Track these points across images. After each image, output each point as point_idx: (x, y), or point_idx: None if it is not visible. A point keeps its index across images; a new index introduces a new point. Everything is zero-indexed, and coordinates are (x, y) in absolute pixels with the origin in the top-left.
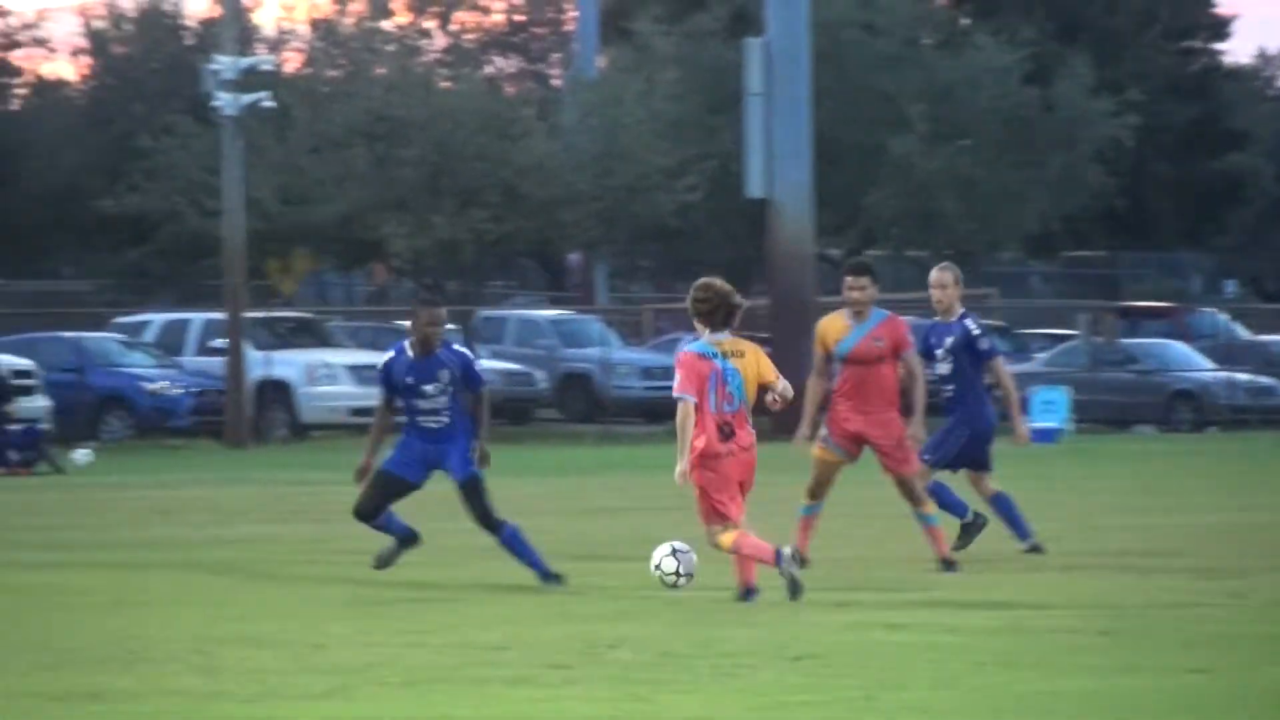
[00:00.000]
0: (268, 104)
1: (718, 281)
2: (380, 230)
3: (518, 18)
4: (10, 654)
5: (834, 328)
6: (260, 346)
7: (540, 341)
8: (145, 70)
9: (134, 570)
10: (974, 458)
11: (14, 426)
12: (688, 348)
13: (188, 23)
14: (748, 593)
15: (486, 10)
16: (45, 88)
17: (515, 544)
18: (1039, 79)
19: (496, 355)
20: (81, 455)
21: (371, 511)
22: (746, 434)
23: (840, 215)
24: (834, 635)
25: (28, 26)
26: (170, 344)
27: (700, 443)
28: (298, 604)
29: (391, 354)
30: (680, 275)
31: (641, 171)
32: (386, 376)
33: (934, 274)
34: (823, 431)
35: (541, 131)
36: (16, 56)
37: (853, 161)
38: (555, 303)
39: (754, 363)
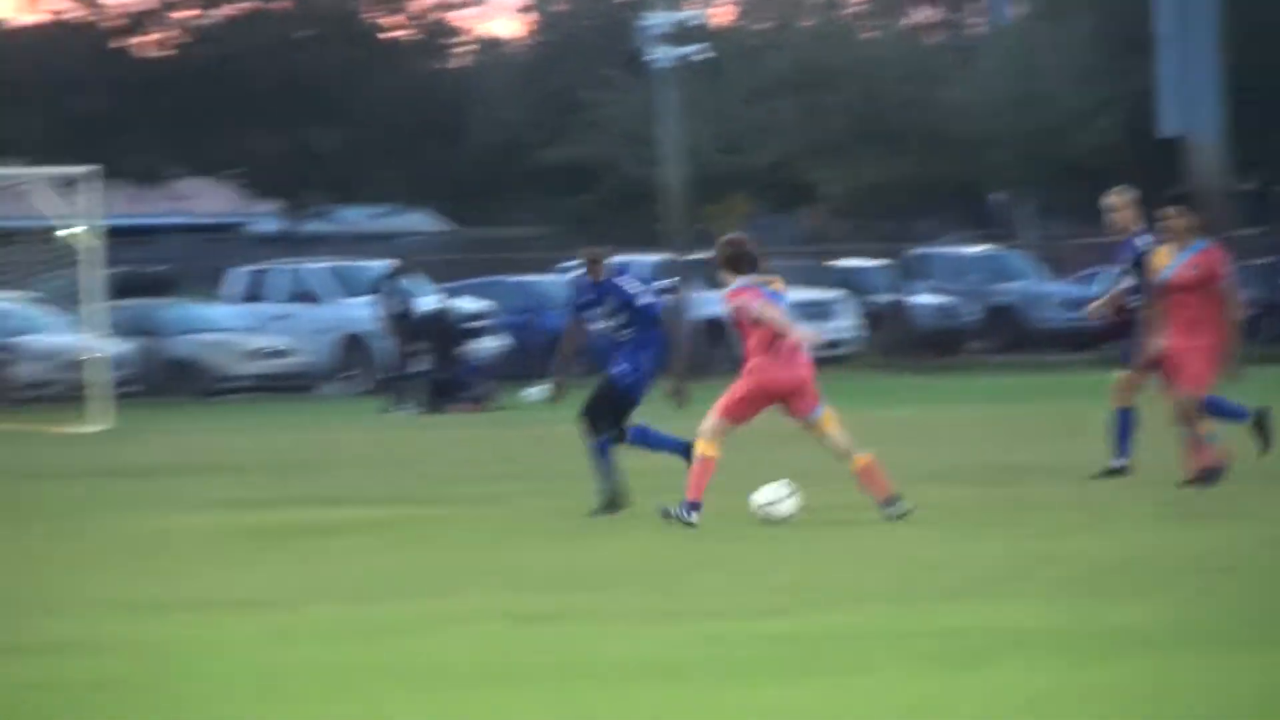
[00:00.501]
0: (700, 57)
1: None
2: (812, 175)
3: None
4: (474, 576)
5: (1159, 257)
6: (701, 286)
7: (968, 277)
8: (581, 27)
9: (589, 498)
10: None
11: (467, 366)
12: (739, 284)
13: None
14: None
15: None
16: (486, 46)
17: (644, 438)
18: None
19: (927, 291)
20: (534, 392)
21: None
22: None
23: (1251, 151)
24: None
25: None
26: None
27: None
28: (743, 530)
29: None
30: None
31: (1058, 114)
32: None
33: (1111, 196)
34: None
35: (962, 79)
36: (456, 17)
37: (1263, 99)
38: (981, 240)
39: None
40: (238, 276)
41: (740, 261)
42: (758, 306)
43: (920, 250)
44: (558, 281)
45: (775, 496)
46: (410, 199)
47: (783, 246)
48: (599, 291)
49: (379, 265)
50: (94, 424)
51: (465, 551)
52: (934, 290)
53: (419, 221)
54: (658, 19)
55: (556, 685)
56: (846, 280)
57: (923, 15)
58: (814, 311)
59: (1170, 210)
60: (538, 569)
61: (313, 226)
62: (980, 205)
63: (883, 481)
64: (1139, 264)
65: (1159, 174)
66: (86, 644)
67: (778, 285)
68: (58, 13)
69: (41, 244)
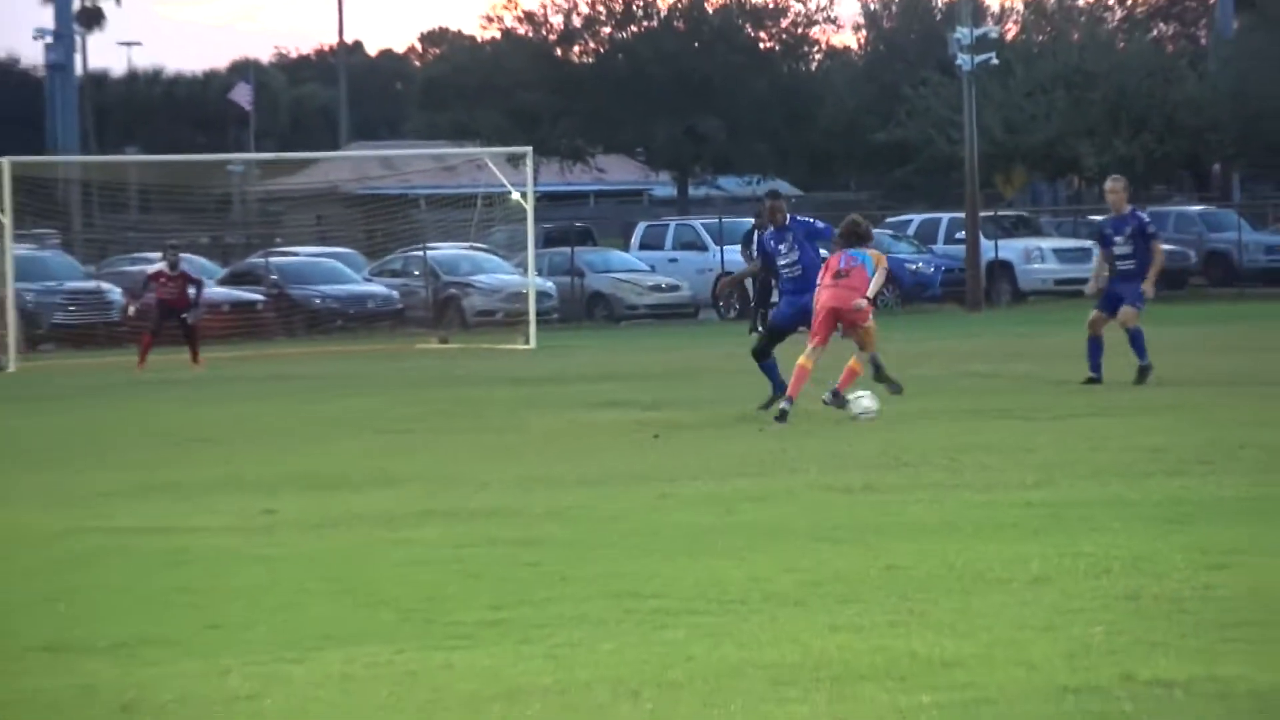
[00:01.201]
0: (994, 62)
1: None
2: (1074, 151)
3: None
4: (801, 458)
5: None
6: (989, 236)
7: (1192, 229)
8: (906, 39)
9: (897, 399)
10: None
11: None
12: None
13: (936, 4)
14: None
15: None
16: (834, 53)
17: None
18: None
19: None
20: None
21: (763, 353)
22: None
23: None
24: None
25: (821, 9)
26: (926, 236)
27: None
28: (1005, 424)
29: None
30: None
31: (1267, 103)
32: (761, 247)
33: (1108, 183)
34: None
35: (1193, 77)
36: (813, 32)
37: None
38: (1202, 201)
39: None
40: (640, 230)
41: (853, 237)
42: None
43: (1155, 209)
44: (883, 233)
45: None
46: (773, 170)
47: (1051, 206)
48: (780, 234)
49: (748, 221)
50: (527, 344)
51: (800, 440)
52: (1166, 240)
53: (779, 187)
54: (963, 32)
55: (868, 540)
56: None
57: (1164, 29)
58: (1073, 256)
59: (1110, 183)
60: (853, 453)
61: (698, 191)
62: (1203, 174)
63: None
64: (1142, 232)
65: None
66: (516, 511)
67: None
68: (508, 29)
69: (491, 206)
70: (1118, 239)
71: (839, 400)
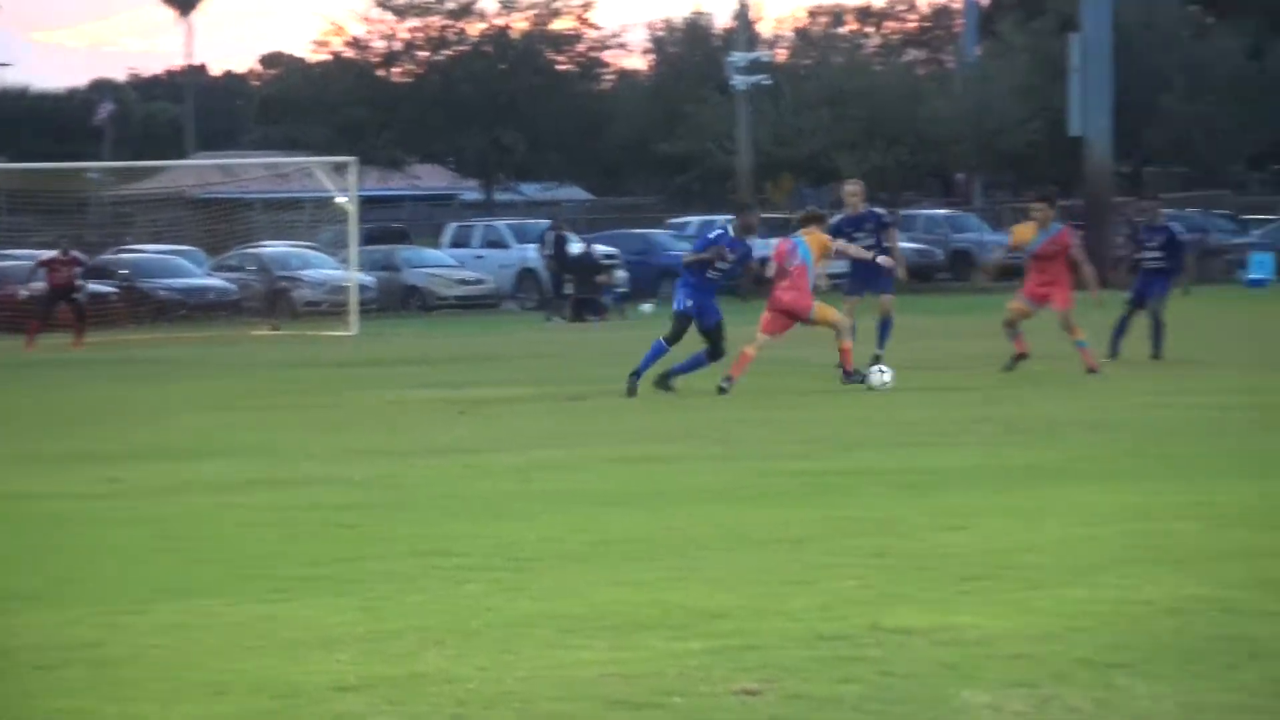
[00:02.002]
0: (766, 82)
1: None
2: (836, 161)
3: (925, 24)
4: (593, 432)
5: (1024, 232)
6: (762, 236)
7: (938, 230)
8: (689, 62)
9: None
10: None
11: (601, 291)
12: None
13: (715, 31)
14: None
15: (905, 20)
16: (624, 74)
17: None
18: (1256, 55)
19: (910, 240)
20: (645, 308)
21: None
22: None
23: (1128, 145)
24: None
25: (613, 36)
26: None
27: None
28: (777, 402)
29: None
30: (1029, 186)
31: (1003, 120)
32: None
33: (847, 185)
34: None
35: (940, 97)
36: (606, 55)
37: (1136, 111)
38: (947, 205)
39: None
40: (451, 230)
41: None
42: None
43: (907, 212)
44: (664, 234)
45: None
46: (568, 178)
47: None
48: (860, 219)
49: (544, 222)
50: (349, 330)
51: (592, 417)
52: (913, 240)
53: (574, 193)
54: (738, 57)
55: (651, 505)
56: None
57: (916, 54)
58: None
59: (1038, 205)
60: (639, 427)
61: (502, 196)
62: (949, 182)
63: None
64: (880, 224)
65: (1067, 161)
66: (336, 479)
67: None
68: (337, 53)
69: (319, 209)
70: (858, 235)
71: (854, 378)
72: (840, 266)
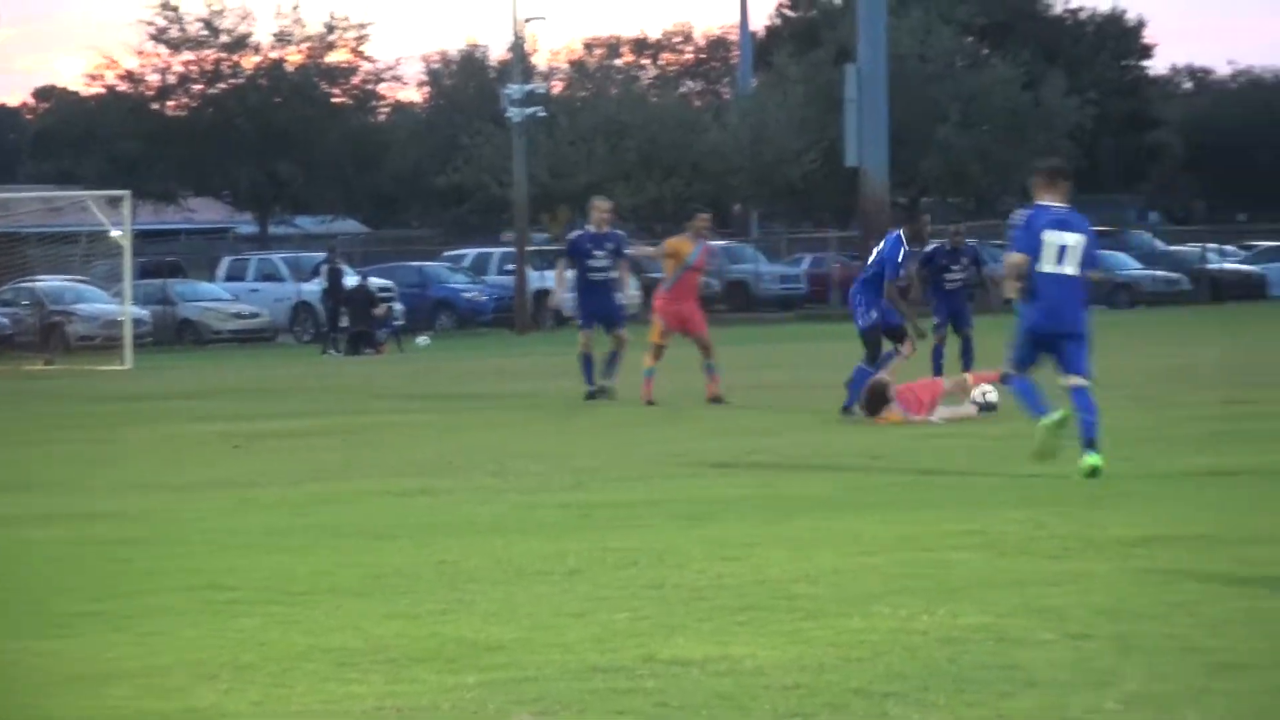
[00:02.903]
0: (541, 114)
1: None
2: (613, 192)
3: (702, 56)
4: (367, 465)
5: (684, 246)
6: (537, 268)
7: (714, 261)
8: (464, 94)
9: (451, 413)
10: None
11: (377, 324)
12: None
13: (491, 63)
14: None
15: (682, 52)
16: (400, 107)
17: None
18: (1030, 86)
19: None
20: (421, 340)
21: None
22: None
23: (903, 176)
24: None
25: (388, 69)
26: (479, 268)
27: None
28: (548, 433)
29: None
30: (805, 217)
31: (779, 151)
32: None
33: (596, 200)
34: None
35: (716, 128)
36: (381, 88)
37: (912, 142)
38: (724, 237)
39: None
40: (225, 263)
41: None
42: None
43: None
44: (441, 266)
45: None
46: (344, 211)
47: None
48: (602, 239)
49: (320, 255)
50: (124, 365)
51: (367, 450)
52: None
53: (349, 226)
54: (514, 89)
55: (424, 538)
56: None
57: (692, 85)
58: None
59: (702, 216)
60: (413, 460)
61: (277, 229)
62: (725, 213)
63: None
64: (621, 248)
65: (844, 191)
66: (112, 513)
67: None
68: (111, 86)
69: (93, 242)
70: (598, 253)
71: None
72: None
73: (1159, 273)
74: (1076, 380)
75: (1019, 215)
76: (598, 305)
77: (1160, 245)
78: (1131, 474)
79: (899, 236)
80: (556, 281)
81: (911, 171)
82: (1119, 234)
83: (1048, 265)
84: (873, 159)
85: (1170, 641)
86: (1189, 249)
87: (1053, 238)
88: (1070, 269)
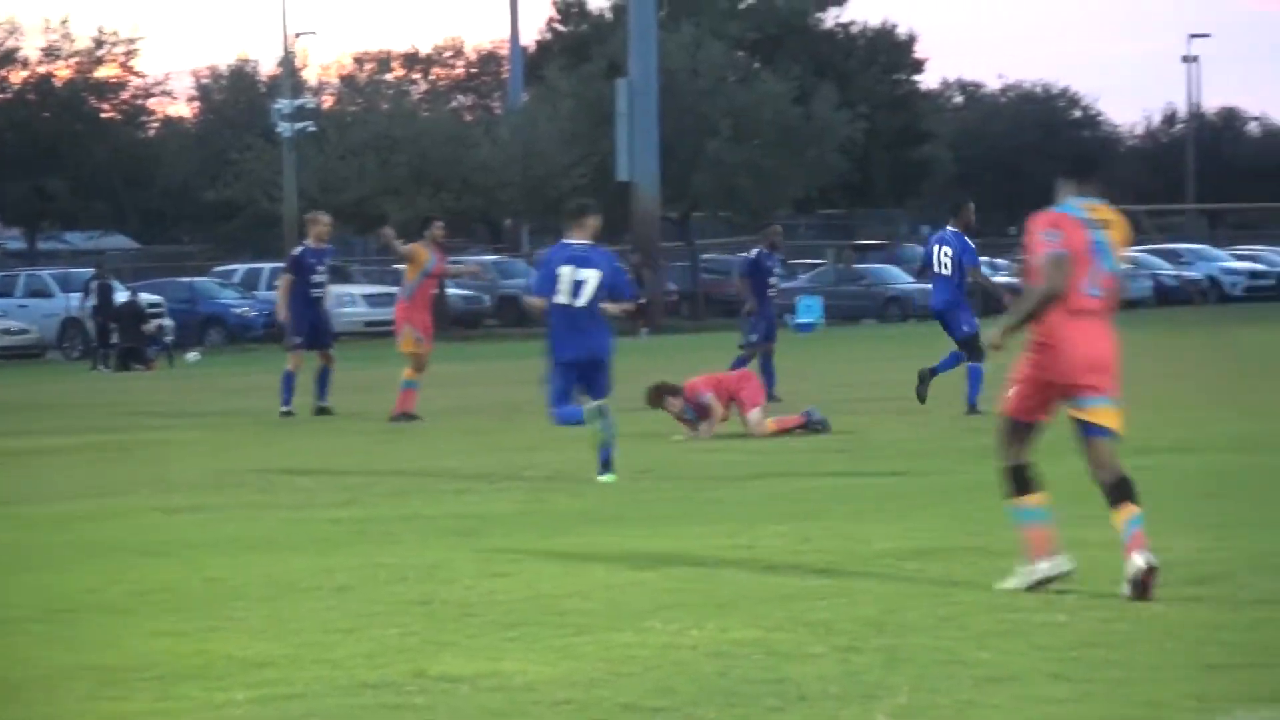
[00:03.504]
0: (311, 129)
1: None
2: (383, 207)
3: (473, 70)
4: (136, 482)
5: (423, 253)
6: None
7: (487, 275)
8: (234, 109)
9: (221, 429)
10: None
11: (147, 340)
12: None
13: (261, 78)
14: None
15: (453, 66)
16: (170, 122)
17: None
18: (802, 100)
19: (460, 286)
20: (191, 356)
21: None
22: None
23: (675, 191)
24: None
25: (158, 83)
26: (249, 283)
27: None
28: (327, 440)
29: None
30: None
31: (550, 166)
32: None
33: (320, 215)
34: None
35: (487, 142)
36: (151, 103)
37: (683, 156)
38: (496, 251)
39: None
40: None
41: None
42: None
43: (454, 259)
44: (211, 282)
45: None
46: (114, 226)
47: (362, 256)
48: (323, 253)
49: (89, 271)
50: None
51: (135, 466)
52: (463, 285)
53: (119, 241)
54: (284, 103)
55: (191, 554)
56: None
57: (463, 100)
58: (380, 300)
59: (438, 225)
60: (182, 477)
61: (46, 245)
62: (497, 228)
63: None
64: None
65: (616, 206)
66: None
67: None
68: None
69: None
70: (320, 268)
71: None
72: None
73: (929, 287)
74: (597, 403)
75: (541, 253)
76: (316, 321)
77: None
78: (900, 487)
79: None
80: (279, 295)
81: (683, 186)
82: (891, 248)
83: (563, 298)
84: (643, 173)
85: (938, 654)
86: None
87: (568, 272)
88: (583, 302)
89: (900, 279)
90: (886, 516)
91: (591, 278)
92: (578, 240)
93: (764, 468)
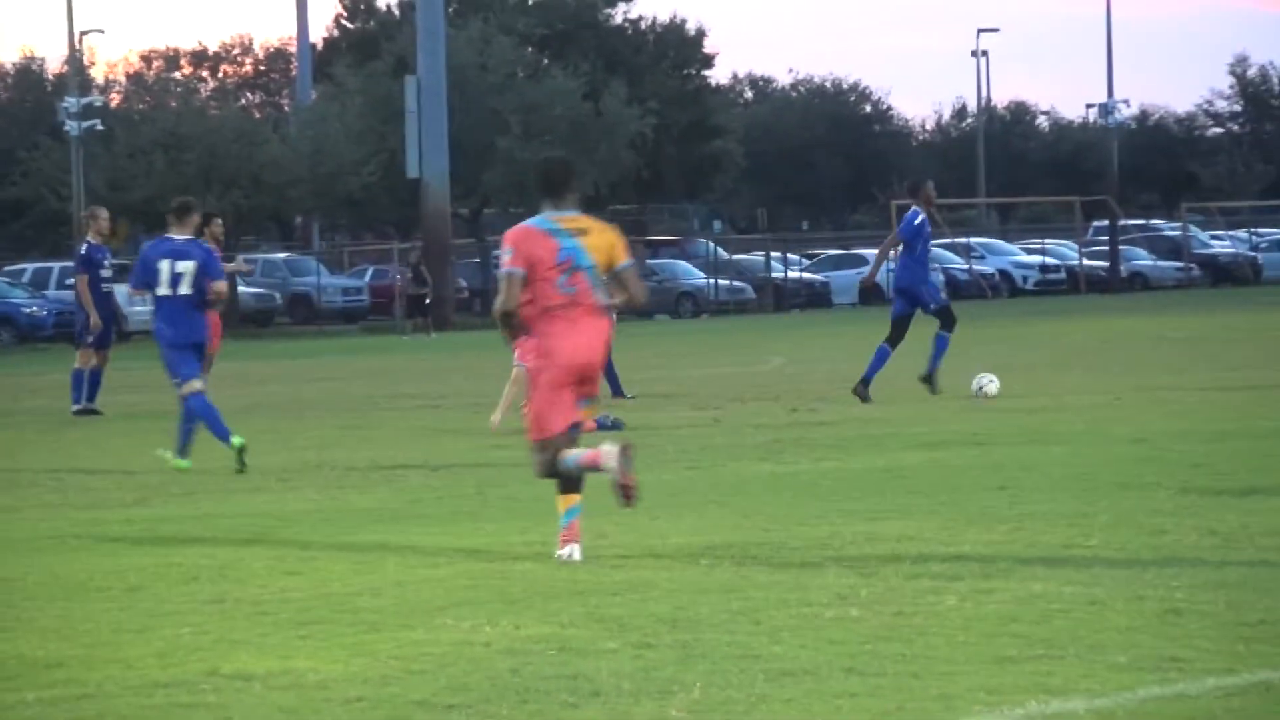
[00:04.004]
0: (99, 127)
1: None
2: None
3: (261, 68)
4: None
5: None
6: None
7: (277, 273)
8: (20, 107)
9: (11, 429)
10: None
11: None
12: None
13: (48, 75)
14: None
15: (241, 64)
16: None
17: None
18: (592, 96)
19: (250, 284)
20: None
21: None
22: None
23: (466, 187)
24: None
25: None
26: (39, 282)
27: None
28: (119, 440)
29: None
30: (367, 229)
31: (340, 163)
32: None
33: (99, 210)
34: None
35: (276, 140)
36: None
37: (474, 153)
38: (286, 249)
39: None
40: None
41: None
42: None
43: (245, 256)
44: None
45: (984, 381)
46: None
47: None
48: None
49: None
50: None
51: None
52: (254, 283)
53: None
54: (71, 102)
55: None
56: None
57: (251, 98)
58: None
59: (216, 221)
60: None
61: None
62: (287, 225)
63: None
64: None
65: (406, 203)
66: None
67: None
68: None
69: None
70: (106, 263)
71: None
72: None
73: (723, 281)
74: (192, 386)
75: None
76: (107, 318)
77: (724, 254)
78: (695, 482)
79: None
80: (82, 295)
81: (473, 182)
82: (683, 243)
83: (164, 289)
84: (434, 170)
85: (732, 649)
86: (753, 258)
87: (167, 265)
88: (185, 290)
89: (692, 274)
90: (680, 512)
91: (189, 269)
92: (178, 235)
93: None
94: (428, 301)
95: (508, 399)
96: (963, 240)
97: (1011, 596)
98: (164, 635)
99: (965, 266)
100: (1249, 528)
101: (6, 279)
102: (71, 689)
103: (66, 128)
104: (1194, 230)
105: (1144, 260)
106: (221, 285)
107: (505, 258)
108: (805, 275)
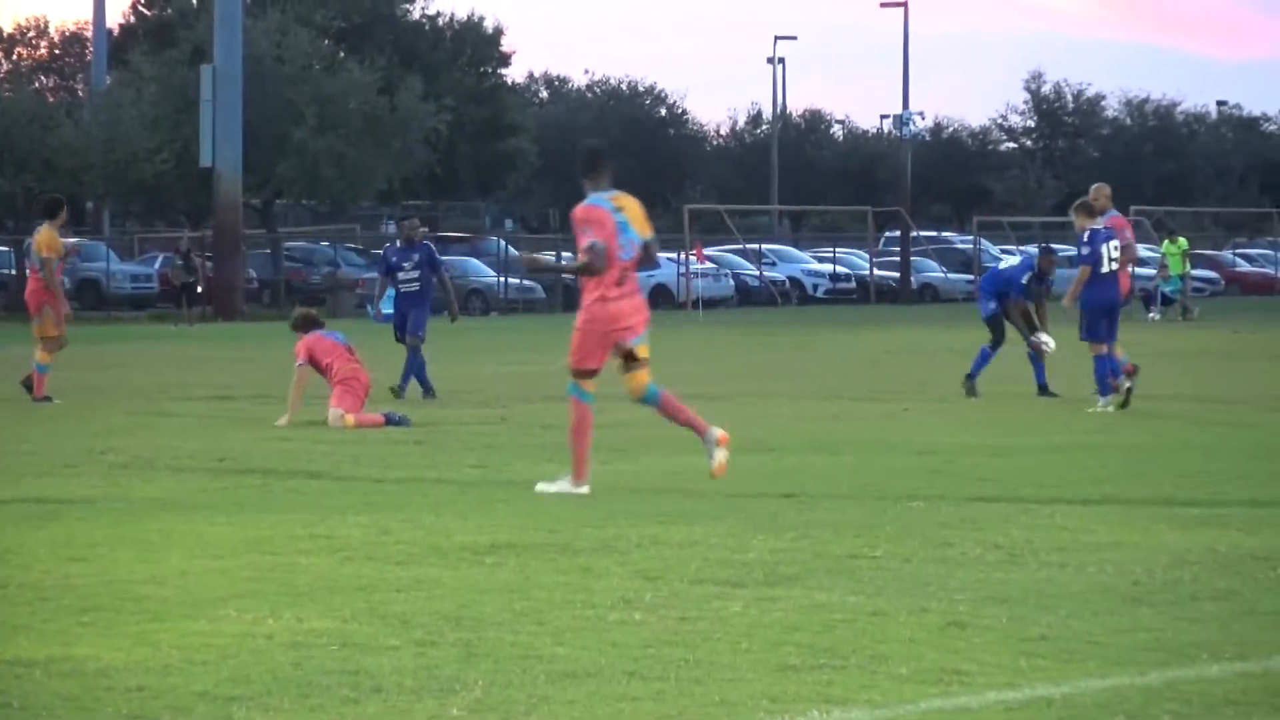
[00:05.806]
0: None
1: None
2: None
3: (56, 52)
4: None
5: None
6: None
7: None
8: None
9: None
10: None
11: None
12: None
13: None
14: None
15: (36, 46)
16: None
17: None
18: (387, 91)
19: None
20: None
21: None
22: None
23: (259, 178)
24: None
25: None
26: None
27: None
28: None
29: None
30: (160, 217)
31: (134, 150)
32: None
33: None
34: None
35: (70, 124)
36: None
37: (268, 143)
38: (77, 234)
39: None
40: None
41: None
42: None
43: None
44: None
45: (1044, 338)
46: None
47: None
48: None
49: None
50: None
51: None
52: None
53: None
54: None
55: None
56: None
57: (45, 81)
58: None
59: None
60: None
61: None
62: (80, 211)
63: None
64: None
65: (199, 191)
66: None
67: None
68: None
69: None
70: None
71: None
72: None
73: (513, 280)
74: None
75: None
76: None
77: (514, 251)
78: (480, 480)
79: (1034, 261)
80: None
81: (267, 173)
82: (474, 240)
83: None
84: (227, 160)
85: (515, 649)
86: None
87: None
88: None
89: (483, 272)
90: (465, 510)
91: None
92: None
93: (342, 458)
94: (199, 290)
95: (295, 402)
96: (754, 246)
97: (795, 605)
98: None
99: (756, 273)
100: (1033, 542)
101: None
102: None
103: None
104: (985, 244)
105: (935, 272)
106: None
107: (588, 233)
108: None
